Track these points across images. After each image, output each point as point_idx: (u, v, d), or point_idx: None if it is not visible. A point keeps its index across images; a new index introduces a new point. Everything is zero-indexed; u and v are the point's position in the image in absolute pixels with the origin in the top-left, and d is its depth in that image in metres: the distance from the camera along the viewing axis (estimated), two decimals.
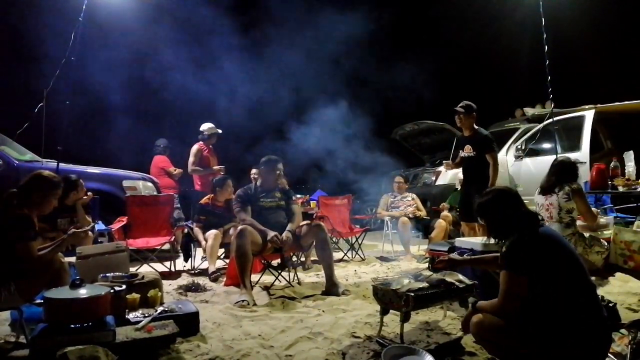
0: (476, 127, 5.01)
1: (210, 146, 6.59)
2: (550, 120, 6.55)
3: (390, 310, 2.82)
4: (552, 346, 1.97)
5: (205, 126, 6.56)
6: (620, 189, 4.93)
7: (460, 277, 2.95)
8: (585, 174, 5.87)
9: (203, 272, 4.99)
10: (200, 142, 6.52)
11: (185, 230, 5.42)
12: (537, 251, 2.05)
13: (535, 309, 2.02)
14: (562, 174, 4.21)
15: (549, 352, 1.98)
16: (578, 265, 2.07)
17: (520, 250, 2.06)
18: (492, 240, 2.35)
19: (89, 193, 4.60)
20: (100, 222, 4.98)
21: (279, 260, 4.33)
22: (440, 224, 5.77)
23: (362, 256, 6.06)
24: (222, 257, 5.38)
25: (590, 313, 2.00)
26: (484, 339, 2.16)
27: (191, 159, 6.45)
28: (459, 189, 6.05)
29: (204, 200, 5.48)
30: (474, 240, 3.74)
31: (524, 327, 2.02)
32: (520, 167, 7.65)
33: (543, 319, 2.00)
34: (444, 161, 5.64)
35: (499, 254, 2.57)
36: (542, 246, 2.07)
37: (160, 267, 5.03)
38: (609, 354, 2.13)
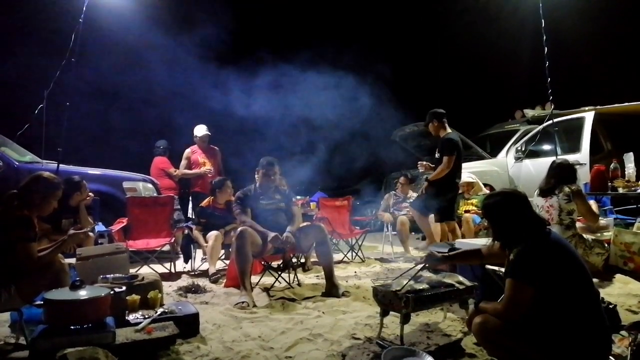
0: (448, 131, 5.21)
1: (203, 148, 6.61)
2: (550, 121, 6.56)
3: (390, 312, 2.82)
4: (554, 350, 1.97)
5: (196, 129, 6.60)
6: (620, 190, 4.93)
7: (461, 278, 2.95)
8: (585, 176, 5.87)
9: (203, 274, 5.00)
10: (193, 145, 6.63)
11: (186, 232, 5.42)
12: (546, 260, 2.02)
13: (539, 314, 2.01)
14: (561, 176, 4.22)
15: (550, 356, 1.97)
16: (584, 273, 2.06)
17: (529, 260, 2.03)
18: (496, 244, 2.32)
19: (90, 194, 4.63)
20: (100, 223, 4.98)
21: (279, 262, 4.33)
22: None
23: (362, 257, 6.06)
24: (222, 258, 5.38)
25: (593, 320, 2.00)
26: (486, 340, 2.15)
27: (182, 162, 6.66)
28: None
29: (204, 202, 5.48)
30: (475, 242, 3.74)
31: (527, 330, 2.02)
32: (520, 169, 7.65)
33: (547, 323, 2.00)
34: (418, 162, 5.65)
35: (480, 249, 2.56)
36: (552, 255, 2.04)
37: (160, 268, 5.02)
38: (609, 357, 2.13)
